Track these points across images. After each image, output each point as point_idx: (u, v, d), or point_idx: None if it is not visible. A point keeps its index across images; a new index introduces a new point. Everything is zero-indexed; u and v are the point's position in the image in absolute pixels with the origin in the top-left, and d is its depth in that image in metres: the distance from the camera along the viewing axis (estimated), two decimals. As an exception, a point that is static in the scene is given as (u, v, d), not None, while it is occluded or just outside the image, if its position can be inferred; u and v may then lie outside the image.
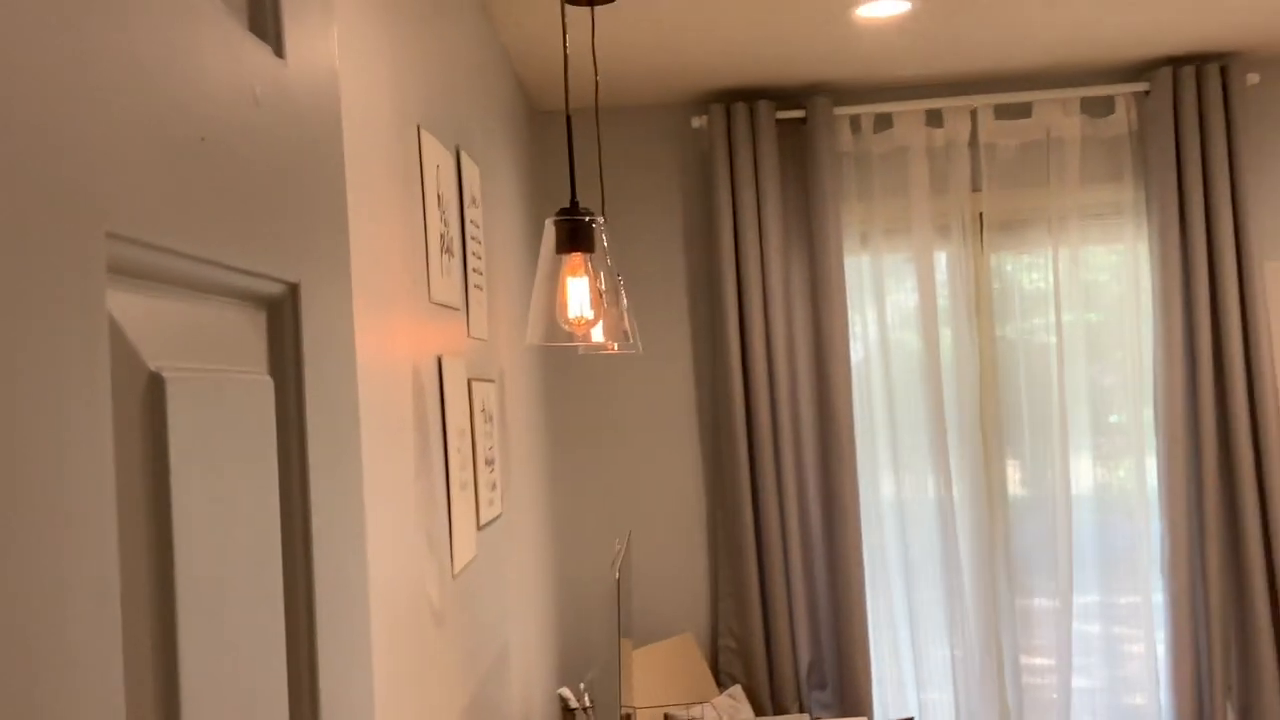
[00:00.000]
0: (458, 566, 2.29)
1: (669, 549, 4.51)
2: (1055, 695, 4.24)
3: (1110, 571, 4.31)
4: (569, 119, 1.92)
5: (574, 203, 1.99)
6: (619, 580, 2.29)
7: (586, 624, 4.51)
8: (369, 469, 1.65)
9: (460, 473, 2.34)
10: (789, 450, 4.32)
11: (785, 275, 4.36)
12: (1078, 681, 4.25)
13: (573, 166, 2.05)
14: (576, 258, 2.02)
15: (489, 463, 2.70)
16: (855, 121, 4.42)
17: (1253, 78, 4.27)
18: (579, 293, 2.01)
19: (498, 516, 2.84)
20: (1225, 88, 4.24)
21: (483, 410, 2.67)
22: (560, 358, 4.52)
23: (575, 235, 1.98)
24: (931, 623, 4.32)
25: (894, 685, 4.34)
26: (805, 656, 4.34)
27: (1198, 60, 4.28)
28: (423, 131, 2.22)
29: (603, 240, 2.05)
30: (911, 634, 4.33)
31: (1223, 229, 4.21)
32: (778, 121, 4.36)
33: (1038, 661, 4.24)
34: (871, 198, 4.43)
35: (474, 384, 2.59)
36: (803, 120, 4.37)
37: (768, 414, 4.31)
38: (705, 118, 4.38)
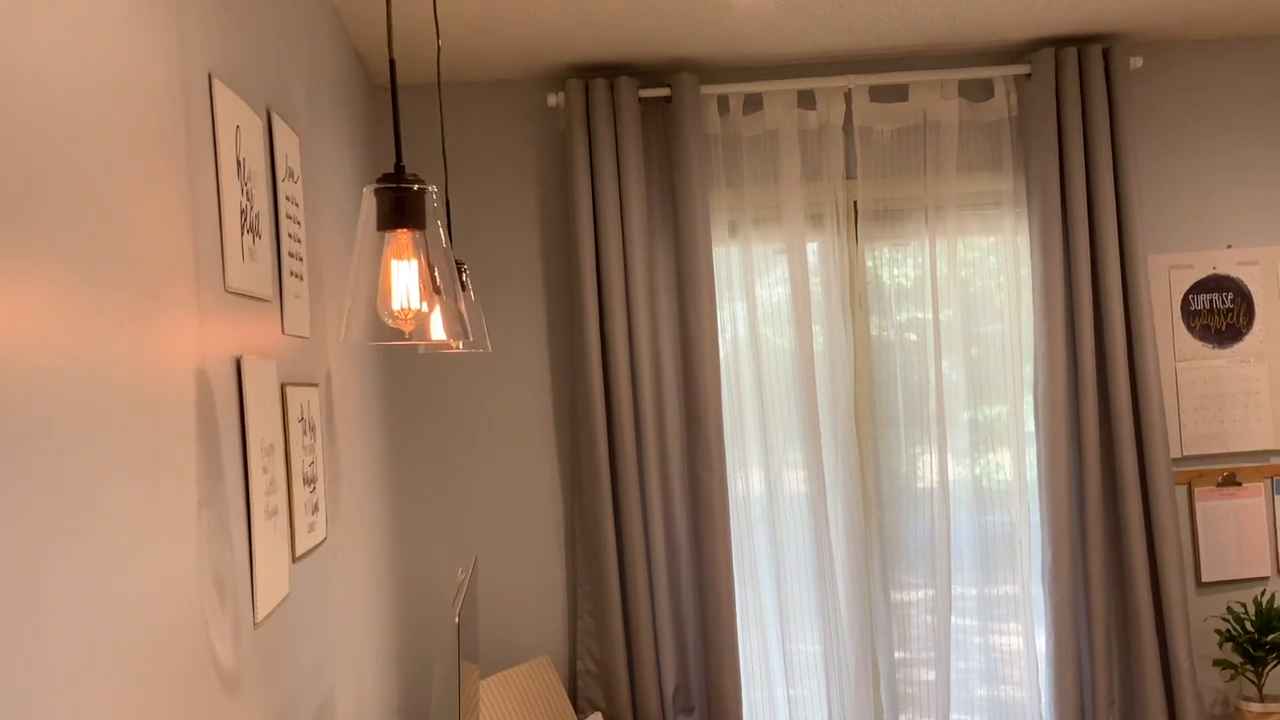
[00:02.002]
0: (262, 611, 1.89)
1: (524, 565, 4.14)
2: (932, 690, 4.05)
3: (989, 565, 4.14)
4: (392, 61, 1.54)
5: (399, 168, 1.61)
6: (459, 624, 1.92)
7: (435, 652, 4.10)
8: (108, 504, 1.26)
9: (267, 497, 1.94)
10: (653, 454, 3.99)
11: (649, 266, 4.04)
12: (956, 676, 4.08)
13: (397, 122, 1.66)
14: (403, 236, 1.64)
15: (309, 482, 2.30)
16: (723, 102, 4.12)
17: (1136, 61, 4.09)
18: (406, 279, 1.63)
19: (320, 543, 2.44)
20: (1108, 71, 4.06)
21: (301, 420, 2.26)
22: (399, 358, 4.11)
23: (401, 208, 1.60)
24: (803, 620, 4.09)
25: (763, 685, 4.09)
26: (671, 679, 4.01)
27: (1080, 42, 4.08)
28: (216, 82, 1.81)
29: (436, 215, 1.68)
30: (782, 631, 4.09)
31: (1105, 220, 4.03)
32: (641, 100, 4.03)
33: (914, 656, 4.07)
34: (741, 184, 4.12)
35: (289, 390, 2.18)
36: (668, 99, 4.05)
37: (630, 416, 3.97)
38: (562, 94, 4.02)
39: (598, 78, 3.98)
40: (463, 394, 4.14)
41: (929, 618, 4.07)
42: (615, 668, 3.97)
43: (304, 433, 2.28)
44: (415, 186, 1.59)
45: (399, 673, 3.87)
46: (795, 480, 4.10)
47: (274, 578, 1.97)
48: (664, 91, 4.03)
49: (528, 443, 4.15)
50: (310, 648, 2.29)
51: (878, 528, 4.13)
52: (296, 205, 2.38)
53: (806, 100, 4.13)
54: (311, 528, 2.32)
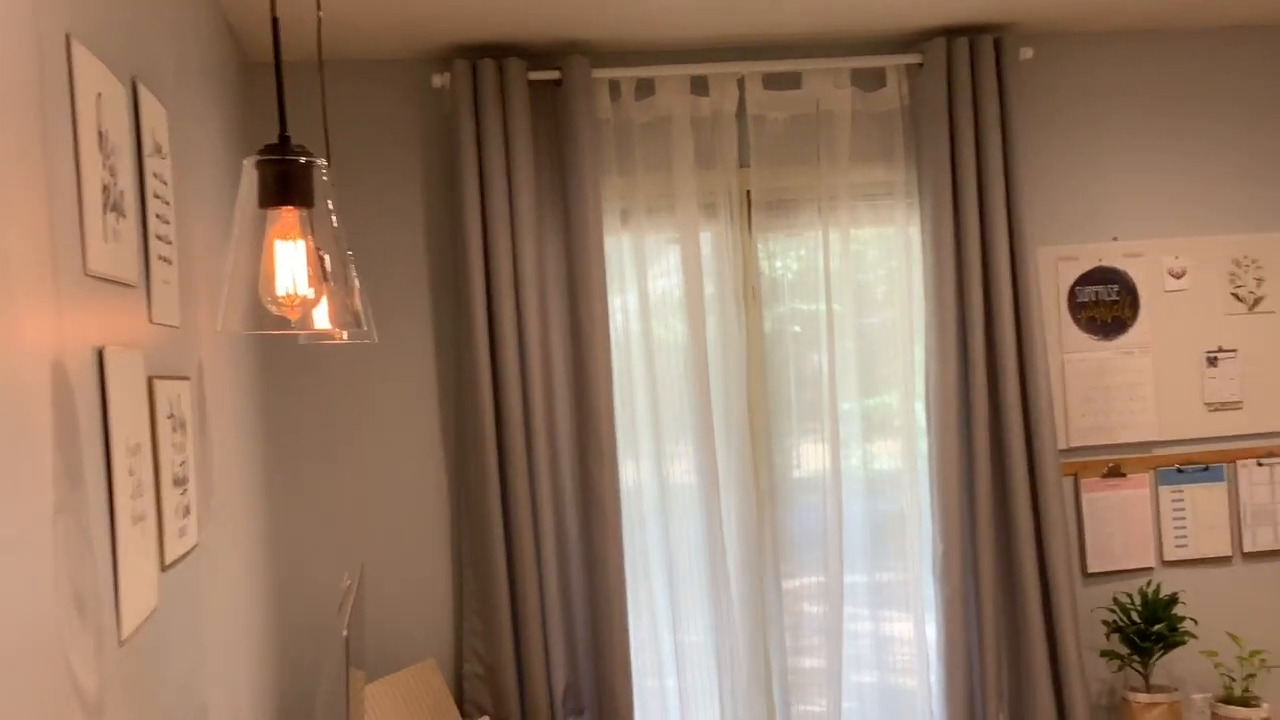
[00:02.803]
0: (128, 627, 1.72)
1: (409, 564, 3.98)
2: (824, 678, 4.02)
3: (880, 553, 4.12)
4: (275, 20, 1.39)
5: (284, 138, 1.46)
6: (348, 637, 1.77)
7: (318, 659, 3.92)
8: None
9: (132, 501, 1.77)
10: (543, 448, 3.87)
11: (539, 255, 3.91)
12: (847, 663, 4.05)
13: (281, 85, 1.52)
14: (288, 215, 1.49)
15: (179, 483, 2.12)
16: (615, 86, 4.00)
17: (1026, 52, 4.08)
18: (291, 262, 1.48)
19: (192, 549, 2.27)
20: (999, 62, 4.05)
21: (170, 417, 2.09)
22: (277, 349, 3.91)
23: (286, 182, 1.46)
24: (695, 610, 4.02)
25: (654, 674, 4.00)
26: (561, 679, 3.90)
27: (972, 32, 4.06)
28: (75, 44, 1.64)
29: (326, 192, 1.53)
30: (673, 621, 4.00)
31: (995, 211, 4.02)
32: (530, 83, 3.90)
33: (806, 644, 4.04)
34: (633, 171, 4.02)
35: (157, 383, 2.01)
36: (558, 82, 3.92)
37: (519, 408, 3.84)
38: (448, 75, 3.87)
39: (485, 59, 3.83)
40: (344, 387, 3.96)
41: (821, 606, 4.04)
42: (503, 669, 3.84)
43: (174, 430, 2.11)
44: (303, 159, 1.44)
45: (280, 683, 3.68)
46: (688, 471, 4.03)
47: (141, 589, 1.80)
48: (554, 74, 3.90)
49: (412, 437, 3.99)
50: (181, 663, 2.12)
51: (770, 517, 4.08)
52: (165, 184, 2.20)
53: (700, 86, 4.03)
54: (182, 533, 2.14)
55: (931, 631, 4.06)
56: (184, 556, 2.18)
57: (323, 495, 3.95)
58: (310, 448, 3.94)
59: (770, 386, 4.11)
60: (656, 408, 4.03)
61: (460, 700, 3.93)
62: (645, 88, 4.01)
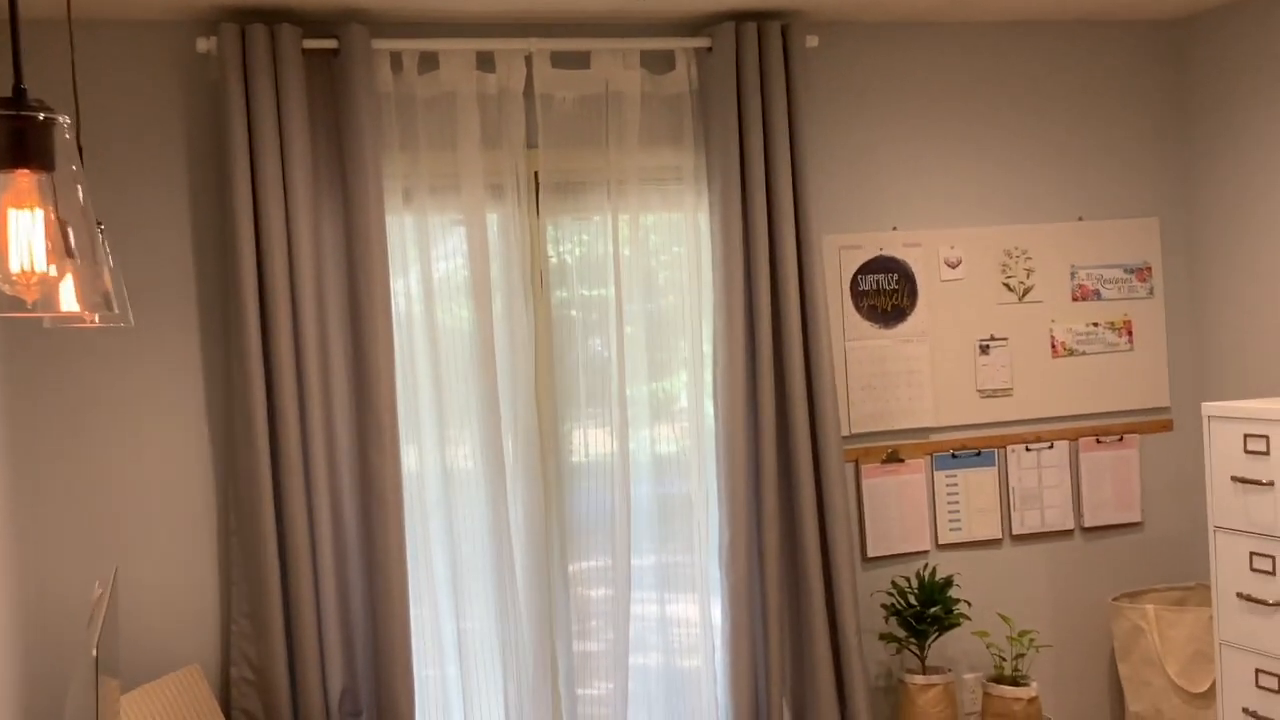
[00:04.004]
0: None
1: (171, 564, 3.72)
2: (610, 661, 3.98)
3: (667, 536, 4.10)
4: (6, -48, 1.20)
5: (20, 90, 1.27)
6: (97, 656, 1.58)
7: (69, 671, 3.61)
8: None
9: None
10: (319, 439, 3.67)
11: (315, 234, 3.70)
12: (633, 646, 4.02)
13: (16, 29, 1.32)
14: (23, 179, 1.29)
15: (-102, 484, 1.87)
16: (397, 59, 3.82)
17: (812, 40, 4.10)
18: (28, 234, 1.29)
19: (-84, 558, 2.01)
20: (786, 49, 4.05)
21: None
22: (17, 334, 3.58)
23: (21, 141, 1.26)
24: (479, 598, 3.91)
25: (435, 664, 3.86)
26: (337, 682, 3.71)
27: (760, 17, 4.04)
28: None
29: (70, 156, 1.34)
30: (456, 610, 3.88)
31: (782, 198, 4.02)
32: (305, 52, 3.68)
33: (592, 627, 4.00)
34: (416, 148, 3.85)
35: None
36: (335, 52, 3.71)
37: (294, 397, 3.63)
38: (214, 40, 3.61)
39: (255, 23, 3.59)
40: (96, 376, 3.66)
41: (607, 590, 4.00)
42: (274, 674, 3.63)
43: (-108, 425, 1.85)
44: (41, 115, 1.25)
45: (26, 703, 3.36)
46: (473, 458, 3.92)
47: None
48: (331, 43, 3.69)
49: (174, 430, 3.72)
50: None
51: (556, 502, 4.01)
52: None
53: (486, 62, 3.89)
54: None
55: (717, 613, 4.06)
56: (-96, 567, 1.93)
57: (73, 497, 3.64)
58: (57, 445, 3.63)
59: (557, 372, 4.02)
60: (441, 394, 3.89)
61: (227, 707, 3.70)
62: (429, 61, 3.84)
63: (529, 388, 3.95)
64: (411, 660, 3.73)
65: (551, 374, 4.02)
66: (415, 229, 3.87)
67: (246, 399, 3.59)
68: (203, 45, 3.61)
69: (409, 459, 3.85)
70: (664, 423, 4.12)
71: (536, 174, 3.98)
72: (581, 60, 3.98)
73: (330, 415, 3.71)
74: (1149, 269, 4.59)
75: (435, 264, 3.89)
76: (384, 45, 3.75)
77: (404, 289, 3.86)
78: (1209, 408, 3.70)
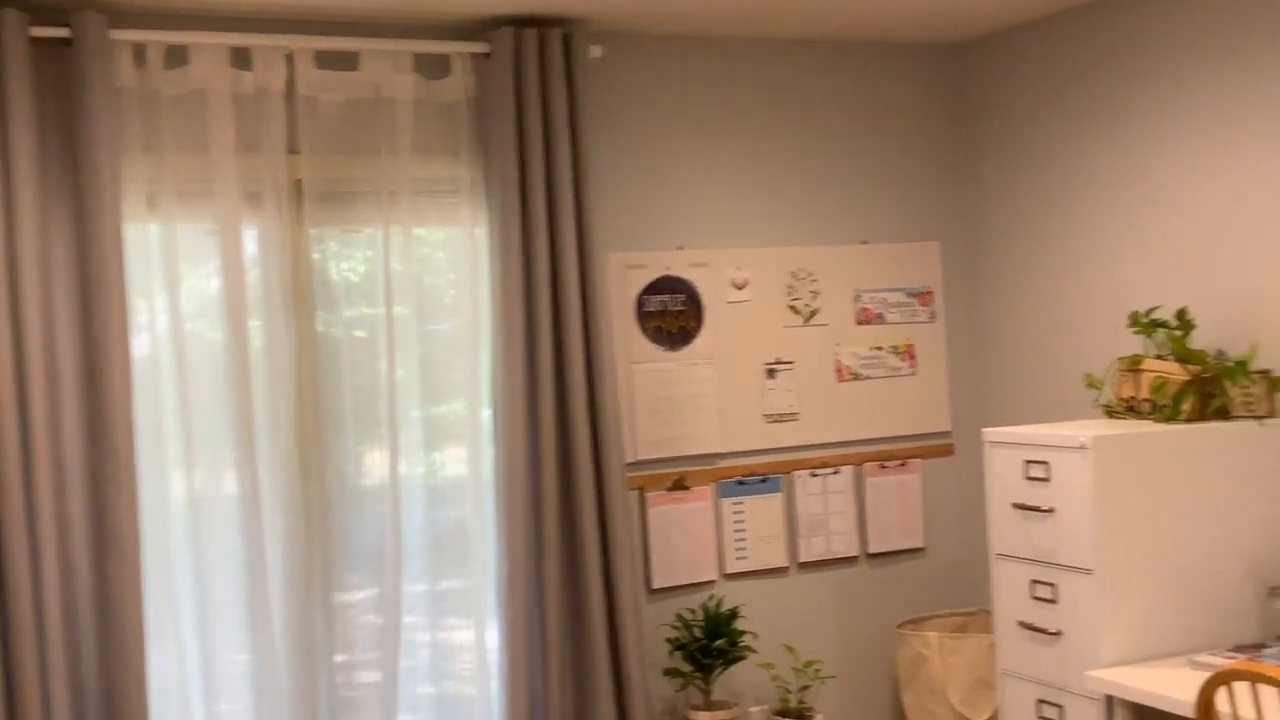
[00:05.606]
0: None
1: None
2: (378, 692, 3.77)
3: (441, 562, 3.92)
4: None
5: None
6: None
7: None
8: None
9: None
10: (45, 475, 3.30)
11: (42, 245, 3.34)
12: (406, 676, 3.83)
13: None
14: None
15: None
16: (140, 51, 3.50)
17: (595, 50, 3.94)
18: None
19: None
20: (569, 58, 3.88)
21: None
22: None
23: None
24: (231, 637, 3.64)
25: (178, 701, 3.56)
26: (67, 741, 3.33)
27: (540, 24, 3.85)
28: None
29: None
30: (203, 645, 3.60)
31: (565, 214, 3.86)
32: (32, 40, 3.33)
33: (359, 658, 3.78)
34: (162, 150, 3.53)
35: None
36: (68, 42, 3.36)
37: (14, 429, 3.27)
38: (-77, 22, 3.21)
39: (-27, 6, 3.21)
40: None
41: (376, 618, 3.78)
42: (-8, 737, 3.23)
43: None
44: None
45: None
46: (226, 487, 3.63)
47: None
48: (63, 32, 3.34)
49: (-128, 461, 3.27)
50: None
51: (321, 530, 3.75)
52: None
53: (242, 59, 3.59)
54: None
55: (494, 638, 3.88)
56: None
57: None
58: None
59: (324, 394, 3.76)
60: (191, 421, 3.57)
61: (-66, 778, 3.27)
62: (177, 55, 3.52)
63: (290, 412, 3.67)
64: (147, 710, 3.37)
65: (317, 396, 3.75)
66: (162, 239, 3.55)
67: (-42, 429, 3.19)
68: (-91, 28, 3.21)
69: (152, 491, 3.52)
70: (443, 445, 3.92)
71: (300, 181, 3.70)
72: (349, 61, 3.72)
73: (59, 448, 3.35)
74: (931, 293, 4.58)
75: (185, 278, 3.56)
76: (125, 36, 3.43)
77: (148, 306, 3.53)
78: (989, 433, 3.67)
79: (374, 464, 3.80)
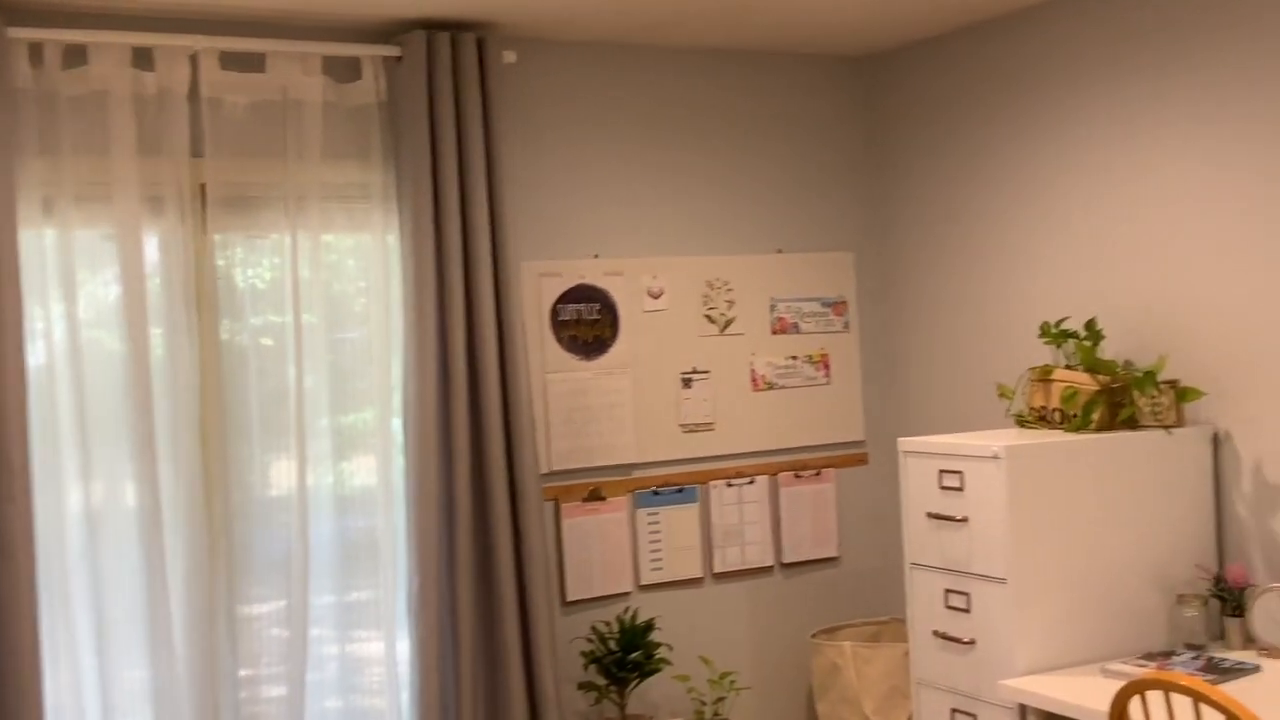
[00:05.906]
0: None
1: None
2: (284, 706, 3.68)
3: (350, 573, 3.83)
4: None
5: None
6: None
7: None
8: None
9: None
10: (-67, 489, 3.15)
11: (-71, 248, 3.18)
12: (313, 689, 3.74)
13: None
14: None
15: None
16: (36, 50, 3.38)
17: (509, 56, 3.90)
18: None
19: None
20: (482, 63, 3.84)
21: None
22: None
23: None
24: (129, 653, 3.54)
25: None
26: (-45, 768, 3.19)
27: (453, 28, 3.80)
28: None
29: None
30: (100, 662, 3.49)
31: (478, 221, 3.81)
32: (-80, 35, 3.18)
33: (264, 672, 3.69)
34: (59, 153, 3.42)
35: None
36: (-41, 38, 3.23)
37: (-100, 440, 3.10)
38: None
39: None
40: None
41: (282, 631, 3.69)
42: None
43: None
44: None
45: None
46: (125, 499, 3.53)
47: None
48: (-46, 28, 3.20)
49: None
50: None
51: (225, 542, 3.66)
52: None
53: (143, 59, 3.48)
54: None
55: (402, 649, 3.81)
56: None
57: None
58: None
59: (230, 404, 3.66)
60: (87, 431, 3.46)
61: None
62: (75, 55, 3.41)
63: (192, 422, 3.57)
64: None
65: (222, 406, 3.65)
66: (58, 245, 3.43)
67: None
68: None
69: (48, 504, 3.40)
70: (352, 455, 3.84)
71: (204, 186, 3.60)
72: (255, 62, 3.62)
73: (-53, 459, 3.20)
74: (845, 303, 4.59)
75: (82, 285, 3.44)
76: (21, 34, 3.32)
77: (43, 313, 3.41)
78: (904, 443, 3.68)
79: (281, 474, 3.71)
